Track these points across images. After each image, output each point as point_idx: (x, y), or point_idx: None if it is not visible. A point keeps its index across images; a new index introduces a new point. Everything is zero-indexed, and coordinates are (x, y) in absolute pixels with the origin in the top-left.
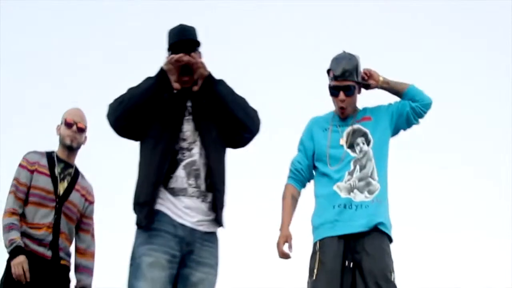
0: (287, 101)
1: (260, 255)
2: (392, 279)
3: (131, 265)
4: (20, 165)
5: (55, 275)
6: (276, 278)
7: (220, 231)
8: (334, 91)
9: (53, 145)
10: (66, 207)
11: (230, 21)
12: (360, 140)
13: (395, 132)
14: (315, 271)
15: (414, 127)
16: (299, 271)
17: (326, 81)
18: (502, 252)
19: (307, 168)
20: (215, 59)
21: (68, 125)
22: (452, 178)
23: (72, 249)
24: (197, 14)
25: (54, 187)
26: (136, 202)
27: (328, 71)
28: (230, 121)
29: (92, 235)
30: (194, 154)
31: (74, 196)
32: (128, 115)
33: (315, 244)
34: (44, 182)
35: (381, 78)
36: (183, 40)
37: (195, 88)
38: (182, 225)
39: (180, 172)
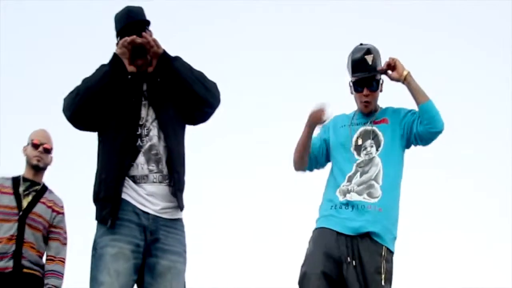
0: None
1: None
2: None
3: (93, 255)
4: None
5: (17, 284)
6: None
7: (184, 217)
8: (357, 87)
9: None
10: (31, 218)
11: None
12: (368, 143)
13: (407, 145)
14: (304, 258)
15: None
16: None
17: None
18: (502, 252)
19: (318, 148)
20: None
21: (35, 146)
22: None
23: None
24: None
25: (17, 203)
26: (96, 197)
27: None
28: (191, 98)
29: (62, 243)
30: (153, 137)
31: (39, 208)
32: (85, 107)
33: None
34: (7, 200)
35: (405, 73)
36: (131, 22)
37: (150, 68)
38: (146, 213)
39: (140, 159)
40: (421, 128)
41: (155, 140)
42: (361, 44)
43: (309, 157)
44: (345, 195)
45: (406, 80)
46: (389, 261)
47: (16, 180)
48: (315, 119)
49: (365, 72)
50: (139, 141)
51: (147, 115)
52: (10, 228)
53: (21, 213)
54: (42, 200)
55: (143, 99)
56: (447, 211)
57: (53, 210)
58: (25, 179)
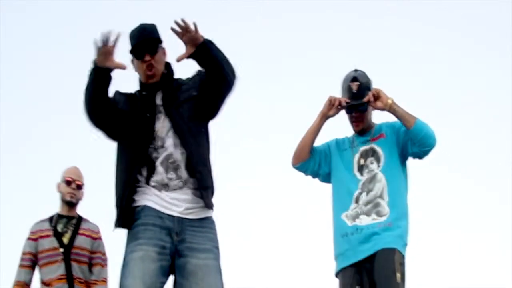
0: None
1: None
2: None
3: (122, 265)
4: (27, 238)
5: None
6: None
7: (213, 214)
8: (348, 109)
9: None
10: (74, 253)
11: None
12: (369, 160)
13: (404, 160)
14: None
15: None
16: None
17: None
18: (502, 252)
19: (322, 150)
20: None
21: (68, 183)
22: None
23: None
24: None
25: (59, 242)
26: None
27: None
28: (219, 82)
29: (102, 266)
30: (168, 147)
31: (80, 240)
32: (92, 107)
33: (336, 276)
34: (49, 243)
35: (389, 101)
36: (144, 40)
37: (184, 55)
38: (170, 216)
39: (159, 169)
40: (415, 148)
41: (171, 149)
42: (355, 71)
43: (312, 152)
44: (354, 220)
45: (391, 108)
46: (402, 264)
47: (53, 220)
48: (329, 108)
49: (349, 99)
50: (154, 153)
51: (162, 126)
52: (58, 269)
53: (63, 250)
54: (80, 232)
55: (157, 113)
56: (447, 211)
57: (92, 238)
58: (61, 216)
